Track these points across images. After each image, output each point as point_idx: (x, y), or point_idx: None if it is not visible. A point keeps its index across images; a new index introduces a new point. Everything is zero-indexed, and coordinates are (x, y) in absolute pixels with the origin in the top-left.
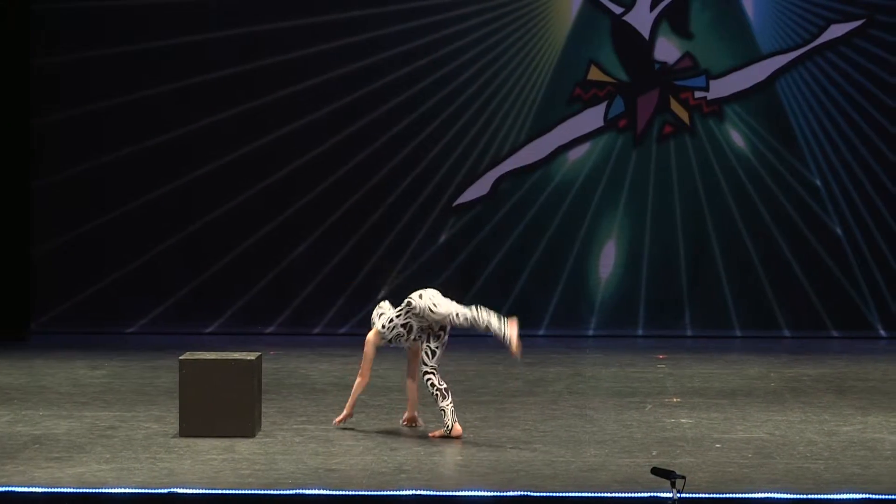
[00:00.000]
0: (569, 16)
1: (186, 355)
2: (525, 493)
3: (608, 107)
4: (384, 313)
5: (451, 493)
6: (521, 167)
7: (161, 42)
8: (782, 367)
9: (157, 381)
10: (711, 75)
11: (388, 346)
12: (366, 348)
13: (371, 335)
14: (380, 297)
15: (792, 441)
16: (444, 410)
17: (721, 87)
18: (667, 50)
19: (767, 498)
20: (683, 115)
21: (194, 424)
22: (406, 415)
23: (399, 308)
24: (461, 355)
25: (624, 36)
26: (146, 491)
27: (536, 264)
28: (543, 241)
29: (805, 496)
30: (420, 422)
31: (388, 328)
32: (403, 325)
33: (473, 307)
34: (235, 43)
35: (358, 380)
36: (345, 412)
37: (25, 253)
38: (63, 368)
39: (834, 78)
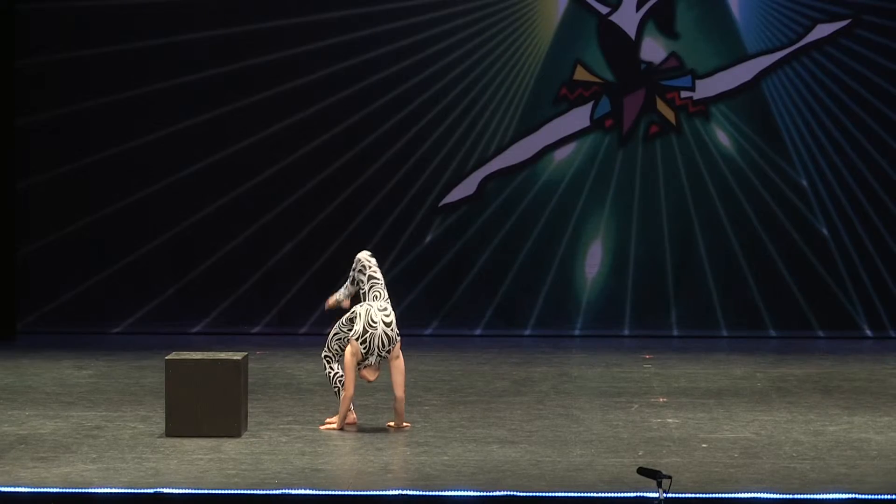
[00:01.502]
0: (555, 16)
1: (172, 355)
2: (511, 493)
3: (594, 107)
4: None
5: (437, 493)
6: (508, 167)
7: (146, 42)
8: (768, 367)
9: (144, 381)
10: (697, 75)
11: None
12: (345, 359)
13: (348, 347)
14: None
15: (778, 441)
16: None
17: (707, 87)
18: (653, 50)
19: (754, 498)
20: (669, 115)
21: (180, 424)
22: (394, 423)
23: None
24: (447, 355)
25: (610, 36)
26: (132, 491)
27: (522, 264)
28: (529, 241)
29: (791, 496)
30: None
31: (357, 335)
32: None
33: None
34: (221, 43)
35: (343, 393)
36: (335, 426)
37: (11, 253)
38: (49, 368)
39: (820, 78)
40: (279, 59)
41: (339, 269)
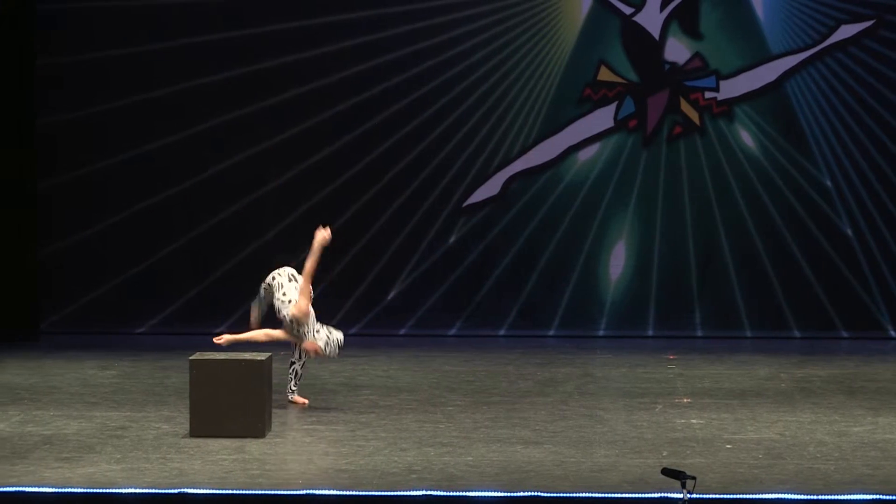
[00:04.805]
0: (579, 16)
1: (196, 356)
2: (535, 494)
3: (618, 107)
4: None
5: (461, 494)
6: (531, 168)
7: (167, 43)
8: (792, 368)
9: (168, 382)
10: (721, 76)
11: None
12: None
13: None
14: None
15: (802, 442)
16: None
17: (731, 88)
18: (677, 50)
19: (778, 499)
20: (693, 116)
21: (204, 425)
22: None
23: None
24: (471, 356)
25: (634, 36)
26: (156, 491)
27: (546, 265)
28: (553, 241)
29: (815, 497)
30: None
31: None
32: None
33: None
34: (241, 45)
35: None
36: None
37: (35, 253)
38: (73, 369)
39: (843, 78)
40: (300, 61)
41: (363, 270)
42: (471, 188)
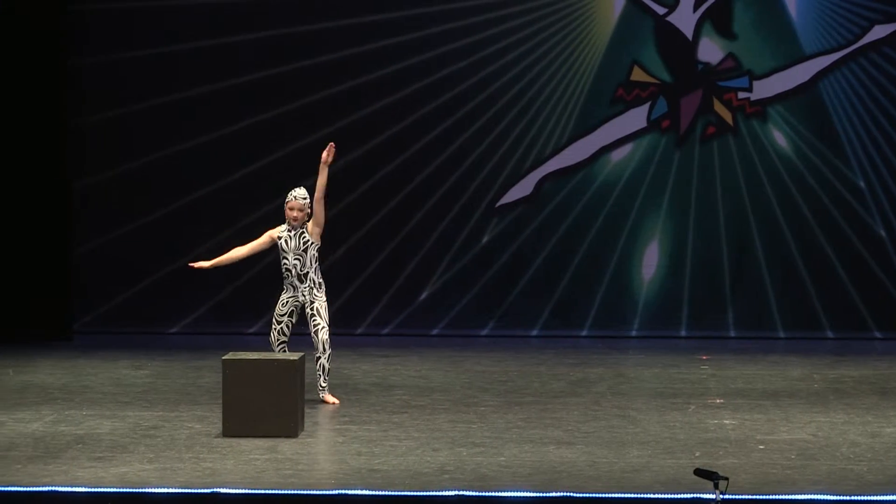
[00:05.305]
0: (611, 16)
1: (229, 355)
2: (567, 494)
3: (651, 107)
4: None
5: (493, 494)
6: (564, 168)
7: (200, 43)
8: (825, 369)
9: (200, 381)
10: (754, 76)
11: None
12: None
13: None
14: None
15: (835, 442)
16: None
17: (764, 88)
18: (710, 50)
19: (810, 499)
20: (726, 116)
21: (237, 424)
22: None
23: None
24: (503, 356)
25: (667, 36)
26: (189, 491)
27: (579, 265)
28: (586, 241)
29: (848, 498)
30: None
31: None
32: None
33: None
34: (271, 45)
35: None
36: (208, 263)
37: (68, 253)
38: (106, 368)
39: (877, 79)
40: (334, 61)
41: (396, 270)
42: (503, 188)
